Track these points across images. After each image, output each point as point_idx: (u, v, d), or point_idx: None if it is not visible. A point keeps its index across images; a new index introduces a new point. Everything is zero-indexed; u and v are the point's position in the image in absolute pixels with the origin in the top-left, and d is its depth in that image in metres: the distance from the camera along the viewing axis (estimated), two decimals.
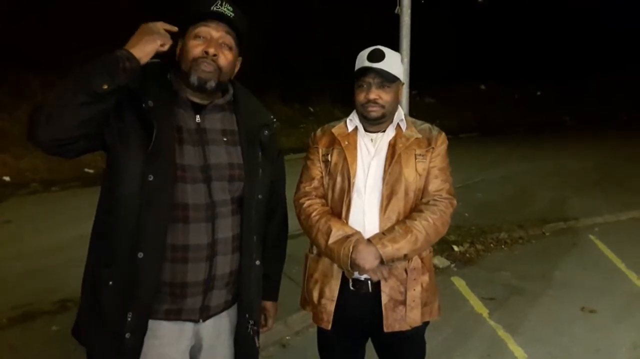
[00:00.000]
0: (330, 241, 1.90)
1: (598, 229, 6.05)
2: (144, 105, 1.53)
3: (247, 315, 1.73)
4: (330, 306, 1.99)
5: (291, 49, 13.88)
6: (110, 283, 1.53)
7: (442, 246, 5.12)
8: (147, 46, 1.49)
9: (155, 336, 1.60)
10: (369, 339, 2.19)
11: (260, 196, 1.72)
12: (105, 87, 1.39)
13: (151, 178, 1.51)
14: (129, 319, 1.52)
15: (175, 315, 1.63)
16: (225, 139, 1.68)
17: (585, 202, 6.97)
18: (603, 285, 4.45)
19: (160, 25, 1.54)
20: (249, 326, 1.73)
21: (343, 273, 1.97)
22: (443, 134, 2.05)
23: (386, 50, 1.94)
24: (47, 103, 1.41)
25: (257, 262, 1.74)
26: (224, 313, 1.74)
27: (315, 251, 2.06)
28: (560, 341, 3.54)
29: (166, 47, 1.53)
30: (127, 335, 1.52)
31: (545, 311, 3.99)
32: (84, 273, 1.65)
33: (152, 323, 1.59)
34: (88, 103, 1.40)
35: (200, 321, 1.67)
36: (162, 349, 1.62)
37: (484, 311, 3.99)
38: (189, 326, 1.67)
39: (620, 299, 4.18)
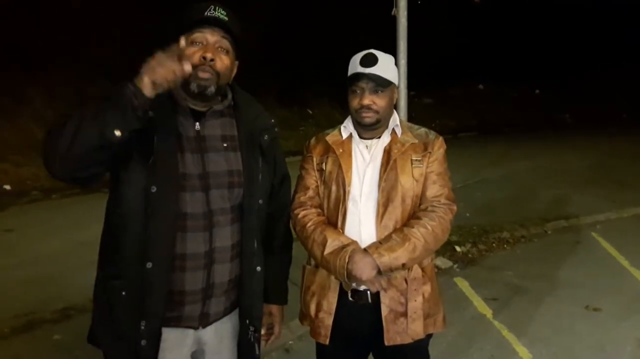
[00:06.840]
0: (326, 251, 1.83)
1: (600, 226, 6.03)
2: None
3: (247, 321, 1.73)
4: (328, 319, 1.91)
5: (290, 51, 13.88)
6: (123, 293, 1.56)
7: (444, 247, 5.09)
8: (157, 76, 1.38)
9: None
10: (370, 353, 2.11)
11: (261, 201, 1.72)
12: (119, 134, 1.37)
13: (154, 189, 1.52)
14: (143, 327, 1.55)
15: (175, 322, 1.64)
16: (225, 145, 1.68)
17: (586, 200, 6.95)
18: (607, 283, 4.43)
19: (170, 58, 1.40)
20: (250, 333, 1.73)
21: (341, 285, 1.90)
22: (440, 138, 1.98)
23: (379, 54, 1.88)
24: (60, 143, 1.37)
25: (258, 269, 1.74)
26: (225, 318, 1.75)
27: (312, 262, 1.99)
28: (565, 340, 3.52)
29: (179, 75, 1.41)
30: (143, 342, 1.56)
31: (550, 310, 3.97)
32: (94, 285, 1.67)
33: None
34: (102, 148, 1.39)
35: (200, 327, 1.68)
36: (162, 354, 1.63)
37: (487, 312, 3.98)
38: (189, 332, 1.68)
39: (624, 297, 4.16)
